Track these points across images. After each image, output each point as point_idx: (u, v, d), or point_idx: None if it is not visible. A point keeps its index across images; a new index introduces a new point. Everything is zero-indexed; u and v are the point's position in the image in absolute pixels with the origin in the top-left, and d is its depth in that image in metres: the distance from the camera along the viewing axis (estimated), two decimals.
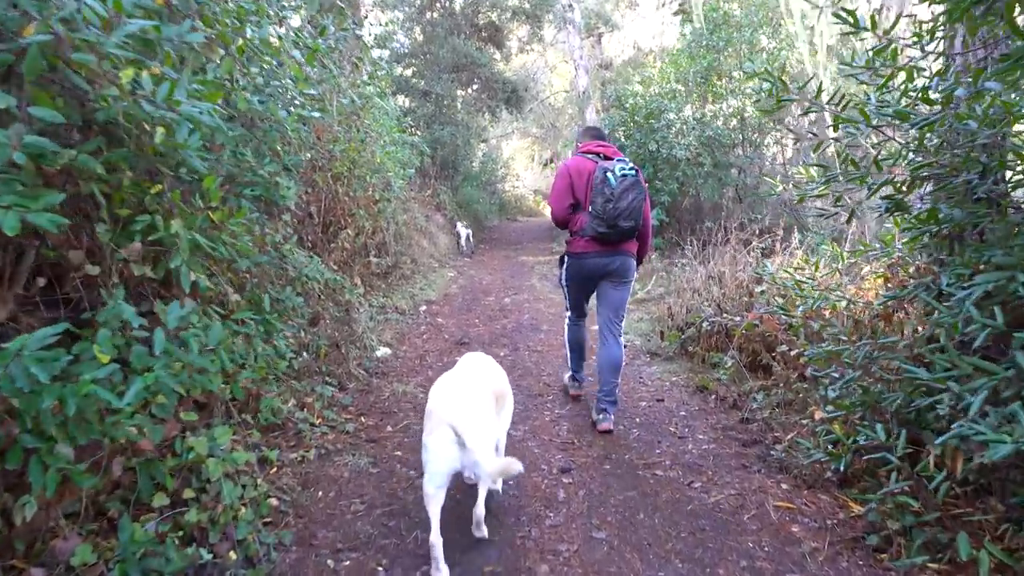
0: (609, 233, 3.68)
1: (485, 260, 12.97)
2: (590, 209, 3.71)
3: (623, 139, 11.64)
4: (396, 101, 16.70)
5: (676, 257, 9.86)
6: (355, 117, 7.42)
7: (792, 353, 4.00)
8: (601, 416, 3.90)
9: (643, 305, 7.69)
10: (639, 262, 4.05)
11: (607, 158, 3.83)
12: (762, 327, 4.47)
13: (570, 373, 4.54)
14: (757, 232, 9.24)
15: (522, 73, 25.03)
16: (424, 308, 7.41)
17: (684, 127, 9.60)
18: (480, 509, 2.70)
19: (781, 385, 4.01)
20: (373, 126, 7.67)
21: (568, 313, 4.36)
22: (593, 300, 4.24)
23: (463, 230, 14.14)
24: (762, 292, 5.08)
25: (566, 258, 4.04)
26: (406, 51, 17.19)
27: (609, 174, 3.63)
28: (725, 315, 5.00)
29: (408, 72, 17.18)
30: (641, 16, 26.86)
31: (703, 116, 9.76)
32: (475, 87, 17.76)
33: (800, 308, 4.01)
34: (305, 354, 4.18)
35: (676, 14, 25.81)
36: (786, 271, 4.63)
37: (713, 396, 4.26)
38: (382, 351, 5.36)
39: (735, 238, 7.07)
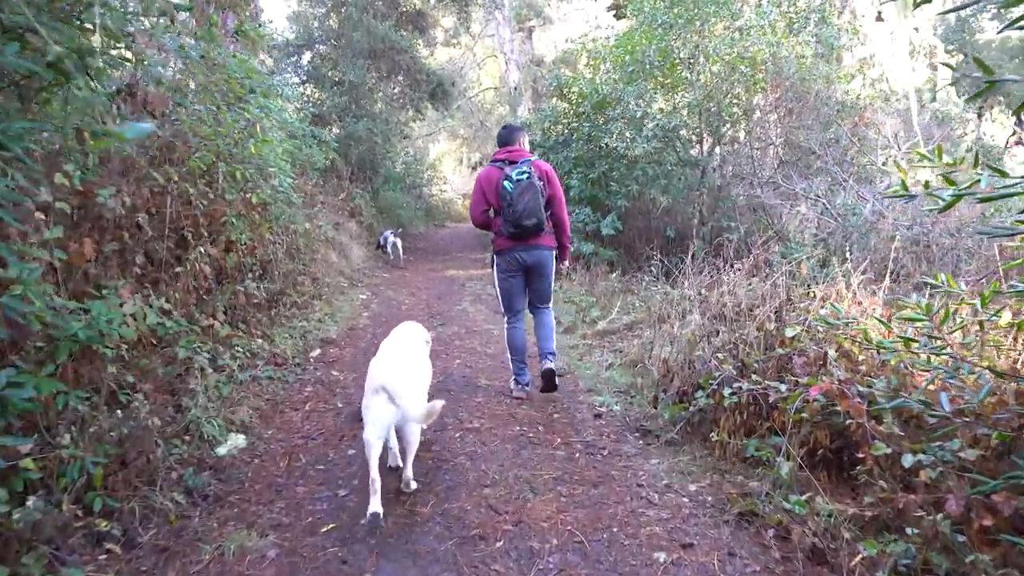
0: (517, 232, 4.15)
1: (407, 275, 11.06)
2: (502, 212, 4.18)
3: (565, 134, 10.01)
4: (301, 90, 14.58)
5: (637, 273, 8.28)
6: (218, 90, 5.45)
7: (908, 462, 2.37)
8: (544, 362, 4.49)
9: (607, 340, 6.02)
10: (562, 252, 4.55)
11: (512, 163, 4.20)
12: (819, 401, 2.84)
13: (513, 377, 4.70)
14: (732, 242, 7.79)
15: (449, 68, 23.19)
16: (316, 354, 5.48)
17: (644, 117, 8.05)
18: (408, 472, 3.07)
19: (891, 512, 2.36)
20: (249, 109, 5.69)
21: (504, 316, 4.66)
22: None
23: (392, 237, 12.16)
24: (796, 340, 3.47)
25: (494, 257, 4.52)
26: (316, 35, 15.05)
27: (506, 181, 4.11)
28: (754, 377, 3.34)
29: (318, 61, 15.07)
30: (576, 9, 25.58)
31: (664, 105, 8.23)
32: (397, 79, 15.78)
33: (887, 379, 2.40)
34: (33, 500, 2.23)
35: (610, 9, 24.68)
36: (863, 317, 3.01)
37: (771, 532, 2.54)
38: (231, 444, 3.43)
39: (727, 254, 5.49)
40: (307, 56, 15.14)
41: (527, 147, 4.44)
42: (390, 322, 6.77)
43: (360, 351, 5.62)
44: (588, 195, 8.91)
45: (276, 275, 6.55)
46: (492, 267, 4.60)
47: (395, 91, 16.09)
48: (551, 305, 4.69)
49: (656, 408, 4.07)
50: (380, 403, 2.80)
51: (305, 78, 14.71)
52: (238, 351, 4.67)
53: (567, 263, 4.74)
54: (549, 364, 4.42)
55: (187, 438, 3.26)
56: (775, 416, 3.16)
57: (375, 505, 2.68)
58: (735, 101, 8.15)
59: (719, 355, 3.79)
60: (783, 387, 3.09)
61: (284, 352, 5.18)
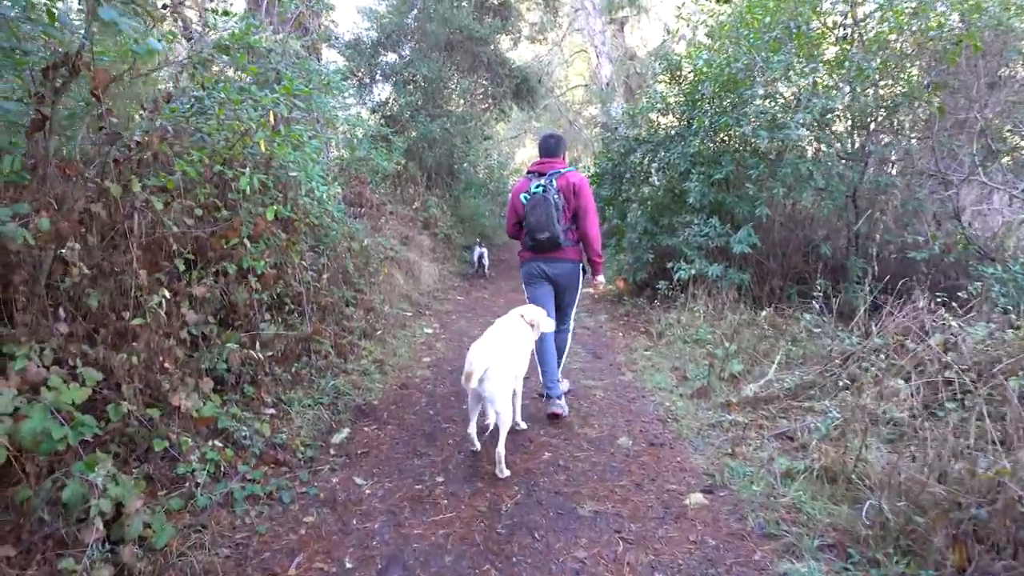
0: (534, 245, 4.22)
1: (487, 297, 9.41)
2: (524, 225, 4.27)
3: (678, 126, 8.04)
4: (375, 91, 13.30)
5: (781, 305, 6.24)
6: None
7: None
8: (548, 402, 4.28)
9: (764, 414, 4.08)
10: (593, 267, 4.43)
11: (540, 175, 4.25)
12: None
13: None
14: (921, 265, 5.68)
15: (534, 66, 21.53)
16: (342, 437, 3.83)
17: (796, 99, 5.97)
18: (500, 449, 3.34)
19: None
20: (266, 98, 4.17)
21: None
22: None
23: (478, 249, 11.44)
24: None
25: (520, 267, 4.59)
26: (391, 30, 13.73)
27: (523, 195, 4.25)
28: None
29: (392, 58, 13.76)
30: None
31: (816, 84, 6.11)
32: (478, 75, 14.23)
33: None
34: None
35: None
36: None
37: None
38: None
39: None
40: (387, 56, 13.86)
41: (565, 158, 4.41)
42: (455, 372, 5.12)
43: (405, 432, 3.95)
44: (712, 201, 6.94)
45: (309, 311, 5.02)
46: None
47: (475, 88, 14.54)
48: (570, 323, 4.63)
49: None
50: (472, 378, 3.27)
51: (377, 76, 13.40)
52: (217, 445, 3.10)
53: (601, 279, 4.52)
54: (557, 409, 4.23)
55: None
56: None
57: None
58: (909, 76, 5.97)
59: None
60: None
61: (293, 439, 3.57)
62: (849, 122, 6.65)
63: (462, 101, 14.19)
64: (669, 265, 7.02)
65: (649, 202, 8.56)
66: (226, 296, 4.39)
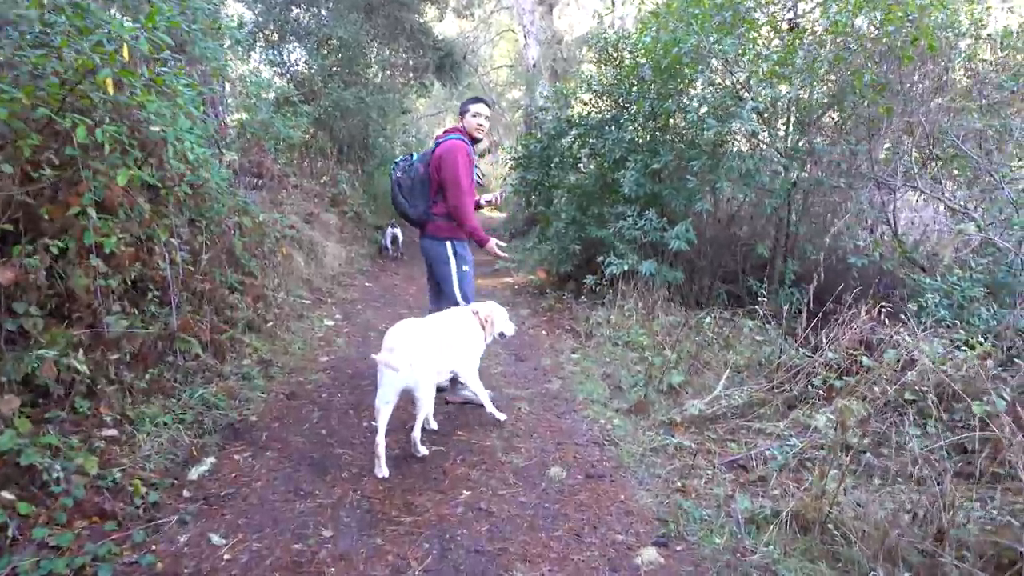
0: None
1: (398, 283, 8.59)
2: None
3: (614, 110, 7.51)
4: (285, 52, 12.06)
5: (718, 309, 5.85)
6: None
7: None
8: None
9: (709, 436, 3.59)
10: (475, 240, 3.99)
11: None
12: None
13: None
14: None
15: (460, 41, 20.59)
16: (200, 473, 2.99)
17: (745, 88, 5.50)
18: (416, 432, 3.30)
19: None
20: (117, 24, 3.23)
21: None
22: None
23: (391, 230, 10.78)
24: None
25: None
26: None
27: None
28: None
29: (305, 17, 12.53)
30: None
31: (765, 73, 5.68)
32: (398, 44, 13.18)
33: None
34: None
35: None
36: None
37: None
38: None
39: None
40: (300, 13, 12.57)
41: (463, 124, 4.05)
42: (356, 376, 4.37)
43: (288, 460, 3.16)
44: (647, 193, 6.44)
45: (177, 301, 4.11)
46: None
47: (396, 58, 13.52)
48: (455, 302, 4.01)
49: None
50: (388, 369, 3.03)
51: (289, 36, 12.13)
52: (4, 496, 2.23)
53: (492, 244, 4.02)
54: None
55: None
56: None
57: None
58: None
59: None
60: None
61: (132, 477, 2.72)
62: (789, 118, 6.30)
63: (381, 71, 13.16)
64: (599, 259, 6.48)
65: (578, 190, 8.01)
66: (61, 280, 3.45)
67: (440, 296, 4.11)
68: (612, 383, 4.70)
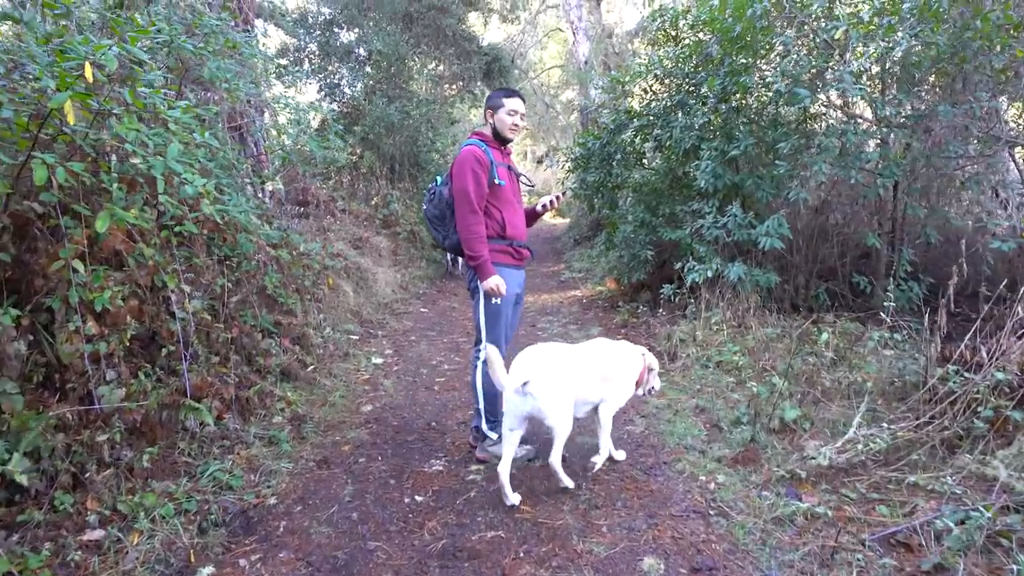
0: None
1: (456, 307, 7.96)
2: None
3: (679, 94, 6.64)
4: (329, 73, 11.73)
5: (828, 315, 4.92)
6: None
7: None
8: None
9: (845, 493, 2.72)
10: (475, 270, 3.24)
11: None
12: None
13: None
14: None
15: (506, 46, 20.01)
16: None
17: (838, 48, 4.52)
18: (554, 458, 2.92)
19: None
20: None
21: None
22: None
23: None
24: None
25: None
26: (339, 7, 12.12)
27: None
28: None
29: (348, 36, 12.21)
30: None
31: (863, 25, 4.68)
32: (441, 52, 12.66)
33: None
34: None
35: None
36: None
37: None
38: None
39: None
40: (342, 35, 12.25)
41: (494, 122, 3.33)
42: (402, 431, 3.71)
43: (306, 564, 2.49)
44: (727, 185, 5.55)
45: (190, 357, 3.57)
46: None
47: (440, 66, 13.00)
48: (481, 349, 3.28)
49: None
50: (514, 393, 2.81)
51: (332, 58, 11.79)
52: None
53: (489, 283, 3.18)
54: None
55: None
56: None
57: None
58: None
59: None
60: None
61: None
62: (886, 80, 5.25)
63: (426, 82, 12.67)
64: (677, 265, 5.63)
65: (645, 188, 7.16)
66: (51, 348, 2.96)
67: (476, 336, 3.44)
68: (708, 419, 3.86)
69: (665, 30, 7.08)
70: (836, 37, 4.14)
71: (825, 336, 4.12)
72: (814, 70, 4.58)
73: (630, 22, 22.98)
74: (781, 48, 4.67)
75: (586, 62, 18.48)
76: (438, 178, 3.44)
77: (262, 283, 4.77)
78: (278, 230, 6.10)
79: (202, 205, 3.38)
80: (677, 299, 5.93)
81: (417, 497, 2.98)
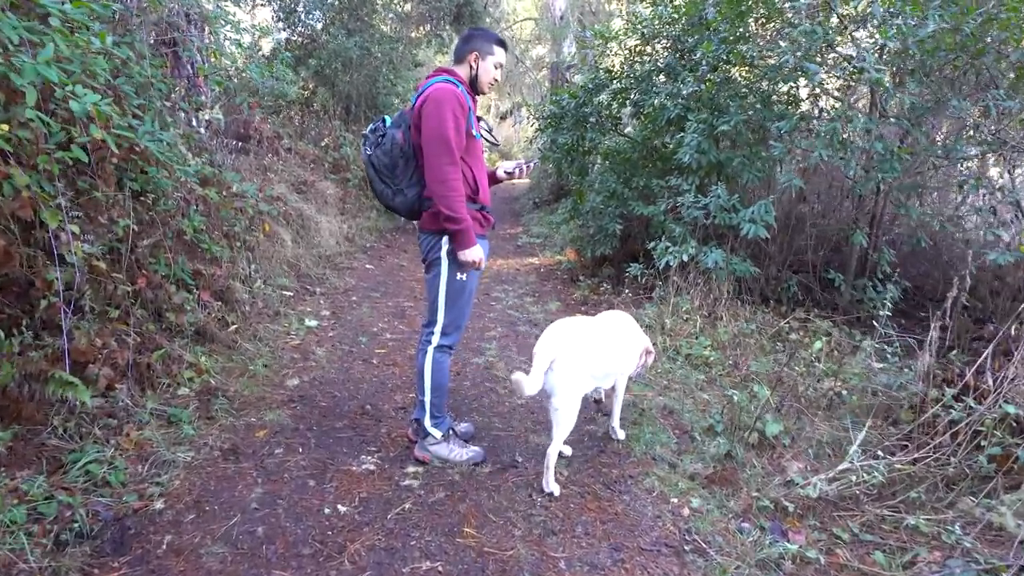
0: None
1: (406, 263, 7.38)
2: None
3: (666, 56, 6.12)
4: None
5: (788, 308, 4.60)
6: None
7: None
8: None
9: (834, 532, 2.35)
10: (449, 235, 2.63)
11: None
12: None
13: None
14: None
15: None
16: None
17: (855, 19, 4.06)
18: (550, 455, 2.69)
19: None
20: None
21: None
22: None
23: None
24: None
25: None
26: None
27: None
28: None
29: None
30: None
31: None
32: None
33: None
34: None
35: None
36: None
37: None
38: None
39: None
40: None
41: (470, 60, 2.68)
42: (335, 414, 3.19)
43: None
44: (711, 162, 5.10)
45: (91, 311, 2.95)
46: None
47: (407, 5, 12.07)
48: (434, 331, 2.80)
49: None
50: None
51: None
52: None
53: (467, 255, 2.61)
54: (419, 452, 2.92)
55: None
56: None
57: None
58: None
59: None
60: None
61: None
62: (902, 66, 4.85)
63: (390, 19, 11.74)
64: (650, 245, 5.20)
65: (618, 156, 6.67)
66: None
67: (428, 316, 2.87)
68: (677, 424, 3.47)
69: None
70: (860, 8, 3.66)
71: (819, 345, 3.75)
72: (825, 44, 4.11)
73: None
74: (792, 15, 4.17)
75: (561, 17, 17.72)
76: (386, 117, 2.79)
77: (179, 227, 4.10)
78: (210, 166, 5.41)
79: (91, 128, 2.71)
80: (644, 279, 5.52)
81: (340, 507, 2.48)
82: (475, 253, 2.61)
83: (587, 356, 2.73)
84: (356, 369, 4.04)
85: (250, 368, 3.76)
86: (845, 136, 4.27)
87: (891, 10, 3.80)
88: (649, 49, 6.43)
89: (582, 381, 2.72)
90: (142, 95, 3.96)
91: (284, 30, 10.42)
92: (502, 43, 2.74)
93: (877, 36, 3.55)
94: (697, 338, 4.58)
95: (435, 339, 2.77)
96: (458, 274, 2.69)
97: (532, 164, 2.97)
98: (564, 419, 2.66)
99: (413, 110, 2.63)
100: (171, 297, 3.86)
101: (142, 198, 3.93)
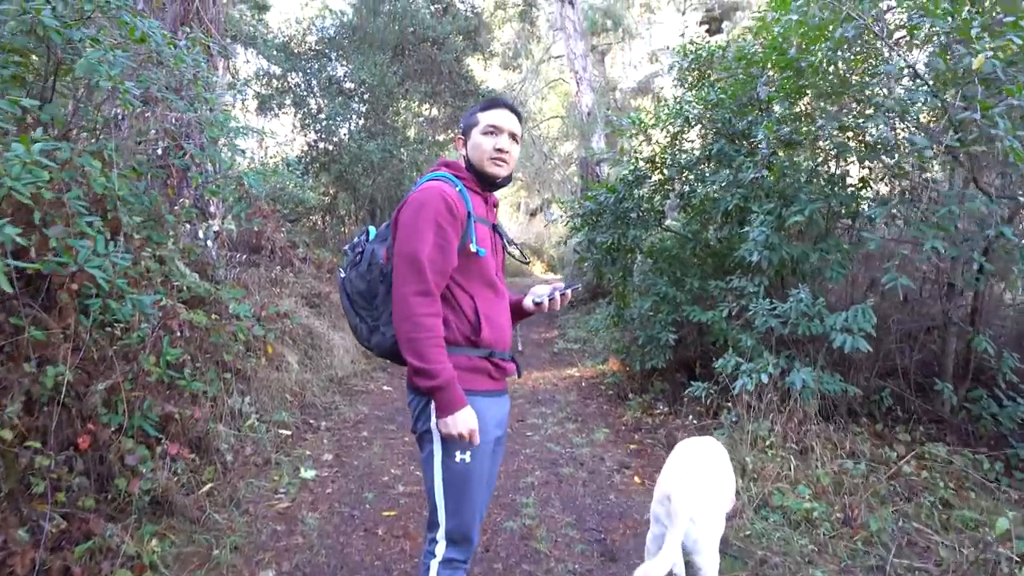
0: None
1: None
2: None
3: (712, 139, 5.44)
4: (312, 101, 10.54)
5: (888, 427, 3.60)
6: None
7: None
8: None
9: None
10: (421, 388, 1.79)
11: None
12: None
13: None
14: None
15: (507, 94, 19.12)
16: None
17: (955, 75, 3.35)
18: None
19: None
20: None
21: None
22: None
23: None
24: None
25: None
26: (330, 35, 11.04)
27: None
28: None
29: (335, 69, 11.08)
30: (658, 22, 21.18)
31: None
32: (433, 85, 11.49)
33: None
34: None
35: (703, 23, 20.28)
36: None
37: None
38: None
39: None
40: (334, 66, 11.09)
41: (461, 148, 2.03)
42: None
43: None
44: (785, 260, 4.25)
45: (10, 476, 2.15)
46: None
47: (433, 110, 11.88)
48: (437, 539, 1.89)
49: None
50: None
51: (315, 88, 10.59)
52: None
53: (447, 424, 1.75)
54: None
55: None
56: None
57: None
58: None
59: None
60: None
61: None
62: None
63: (416, 123, 11.54)
64: (716, 364, 4.28)
65: (665, 253, 5.87)
66: None
67: (429, 521, 2.00)
68: None
69: (694, 68, 5.92)
70: (975, 68, 2.88)
71: (1004, 524, 2.71)
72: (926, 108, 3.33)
73: (632, 79, 22.38)
74: (883, 77, 3.43)
75: (589, 113, 17.59)
76: (371, 229, 2.06)
77: (142, 365, 3.37)
78: (210, 282, 4.83)
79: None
80: (707, 399, 4.57)
81: None
82: (464, 421, 1.75)
83: (719, 495, 2.36)
84: (355, 546, 3.12)
85: (214, 555, 2.88)
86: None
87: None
88: (692, 135, 5.76)
89: (722, 525, 2.34)
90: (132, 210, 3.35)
91: (308, 135, 10.20)
92: (491, 103, 1.99)
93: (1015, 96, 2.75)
94: (793, 484, 3.57)
95: (439, 550, 1.88)
96: (457, 453, 1.83)
97: (573, 288, 2.11)
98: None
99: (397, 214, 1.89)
100: (124, 458, 3.06)
101: (108, 328, 3.26)
